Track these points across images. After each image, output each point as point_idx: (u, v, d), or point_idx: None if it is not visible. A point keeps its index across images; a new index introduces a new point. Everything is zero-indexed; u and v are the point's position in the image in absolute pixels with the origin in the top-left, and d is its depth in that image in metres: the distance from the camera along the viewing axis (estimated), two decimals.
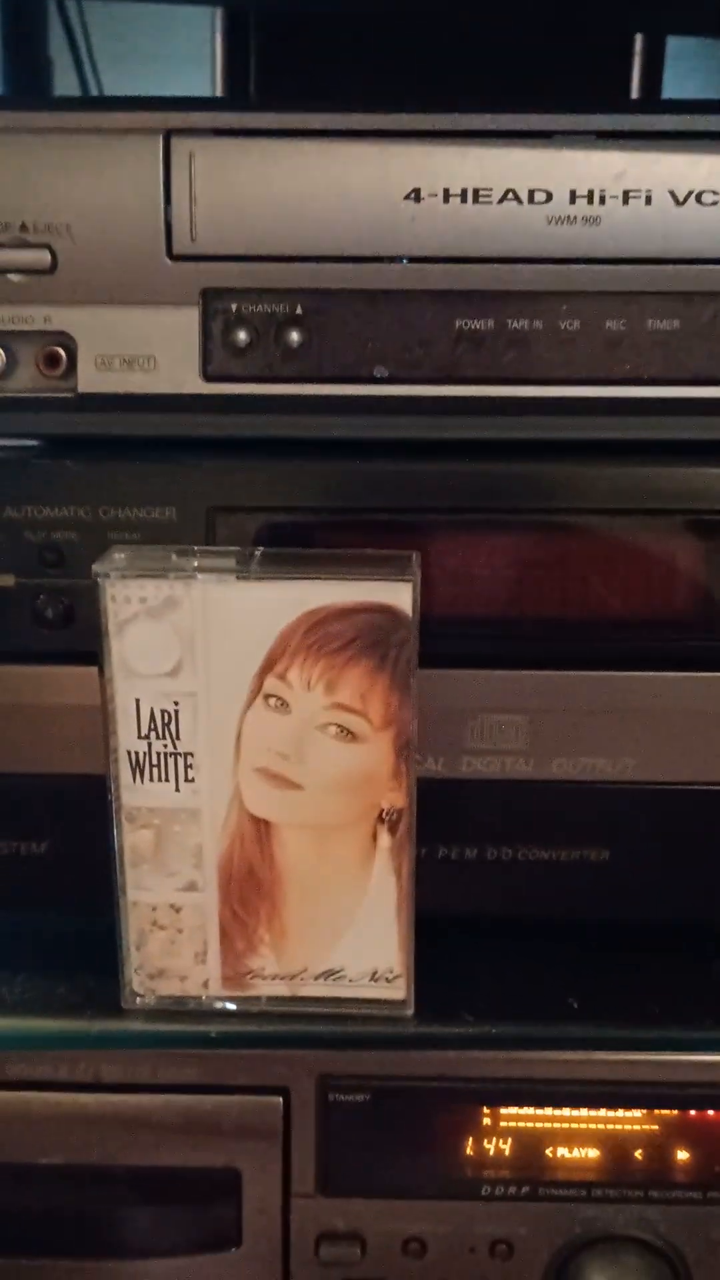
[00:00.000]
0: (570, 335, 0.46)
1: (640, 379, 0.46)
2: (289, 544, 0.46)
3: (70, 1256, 0.48)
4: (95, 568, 0.43)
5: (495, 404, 0.47)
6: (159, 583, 0.42)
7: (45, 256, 0.45)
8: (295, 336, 0.46)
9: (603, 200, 0.45)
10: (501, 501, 0.47)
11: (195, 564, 0.43)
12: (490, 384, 0.47)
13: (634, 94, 0.81)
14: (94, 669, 0.45)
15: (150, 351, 0.47)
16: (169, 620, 0.43)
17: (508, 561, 0.47)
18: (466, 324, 0.46)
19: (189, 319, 0.46)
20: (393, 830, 0.45)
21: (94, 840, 0.46)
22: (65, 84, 0.85)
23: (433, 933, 0.47)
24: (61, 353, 0.47)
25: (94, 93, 0.88)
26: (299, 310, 0.46)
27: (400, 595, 0.42)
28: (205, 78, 0.76)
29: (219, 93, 0.79)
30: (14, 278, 0.46)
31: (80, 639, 0.46)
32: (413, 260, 0.46)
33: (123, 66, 0.88)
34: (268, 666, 0.43)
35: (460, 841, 0.49)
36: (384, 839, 0.45)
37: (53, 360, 0.47)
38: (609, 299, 0.46)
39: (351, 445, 0.47)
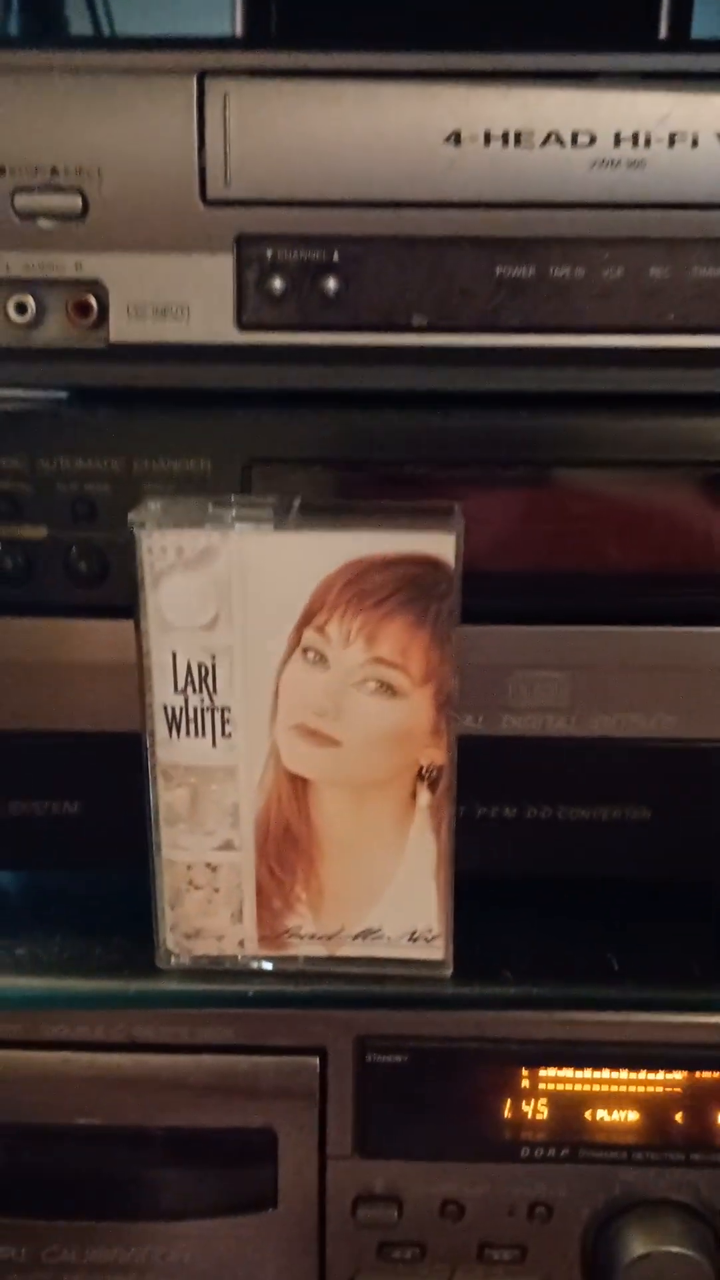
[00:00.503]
0: (613, 283, 0.45)
1: (684, 328, 0.45)
2: (328, 495, 0.45)
3: (106, 1218, 0.48)
4: (131, 517, 0.42)
5: (536, 354, 0.46)
6: (196, 533, 0.42)
7: (76, 201, 0.44)
8: (332, 284, 0.45)
9: (648, 143, 0.44)
10: (543, 454, 0.46)
11: (233, 514, 0.42)
12: (531, 333, 0.45)
13: (662, 34, 0.79)
14: (127, 623, 0.44)
15: (183, 300, 0.45)
16: (206, 572, 0.42)
17: (548, 515, 0.46)
18: (507, 272, 0.45)
19: (223, 266, 0.45)
20: (432, 788, 0.45)
21: (128, 799, 0.46)
22: (77, 26, 0.83)
23: (471, 893, 0.47)
24: (92, 301, 0.46)
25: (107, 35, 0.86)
26: (336, 257, 0.45)
27: (443, 547, 0.41)
28: (223, 20, 0.74)
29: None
30: (44, 223, 0.45)
31: (113, 593, 0.46)
32: (452, 206, 0.44)
33: (135, 4, 0.85)
34: (306, 619, 0.42)
35: (499, 800, 0.49)
36: (423, 797, 0.45)
37: (83, 309, 0.46)
38: (653, 245, 0.44)
39: (390, 396, 0.46)
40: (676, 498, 0.46)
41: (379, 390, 0.46)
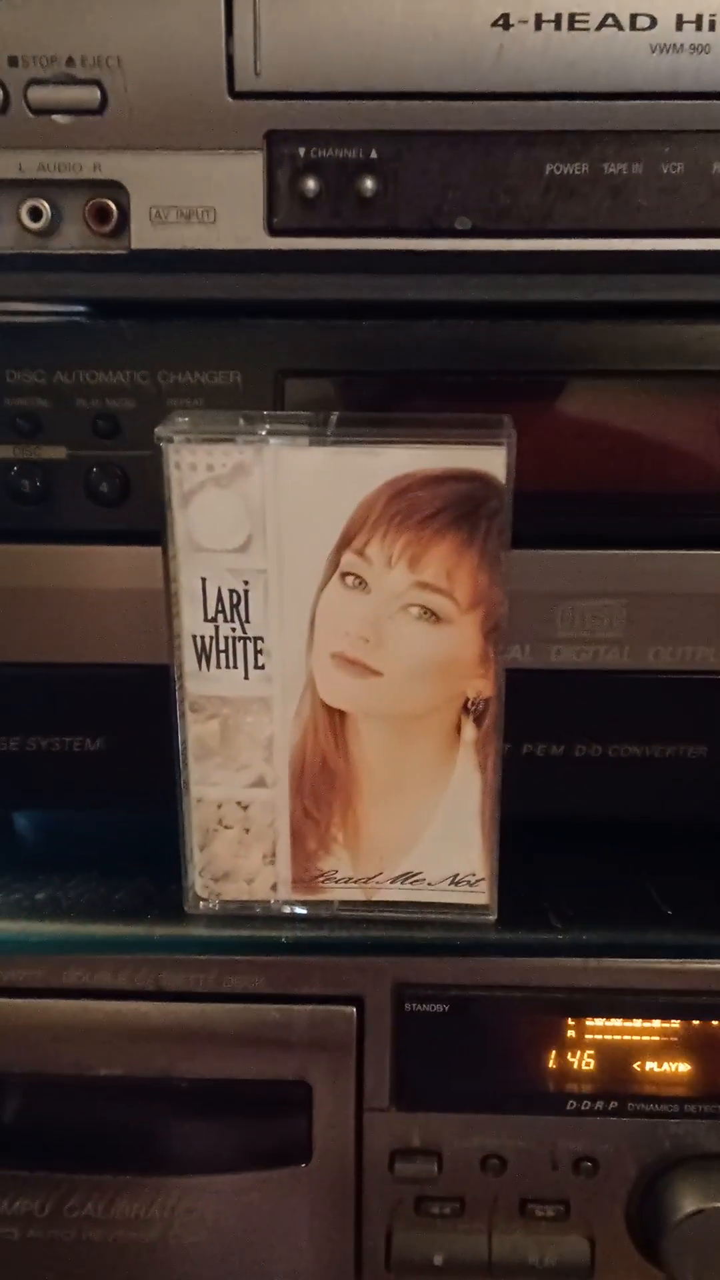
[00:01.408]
0: (673, 180, 0.42)
1: None
2: (366, 410, 0.42)
3: (130, 1172, 0.46)
4: (158, 431, 0.39)
5: (590, 258, 0.43)
6: (227, 448, 0.39)
7: (94, 94, 0.41)
8: (369, 185, 0.42)
9: (712, 26, 0.40)
10: (597, 364, 0.43)
11: (266, 428, 0.39)
12: (584, 236, 0.42)
13: None
14: (152, 549, 0.41)
15: (209, 202, 0.42)
16: (238, 490, 0.39)
17: (604, 431, 0.43)
18: (558, 169, 0.42)
19: (252, 165, 0.42)
20: (478, 721, 0.42)
21: (154, 735, 0.43)
22: None
23: (516, 835, 0.44)
24: (112, 206, 0.43)
25: None
26: (373, 155, 0.42)
27: (493, 461, 0.38)
28: None
29: None
30: (59, 119, 0.42)
31: (137, 517, 0.43)
32: (499, 97, 0.41)
33: None
34: (345, 541, 0.40)
35: (547, 737, 0.46)
36: (468, 731, 0.42)
37: (102, 214, 0.43)
38: (716, 139, 0.41)
39: (432, 304, 0.43)
40: None
41: (420, 300, 0.43)
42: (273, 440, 0.39)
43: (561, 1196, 0.46)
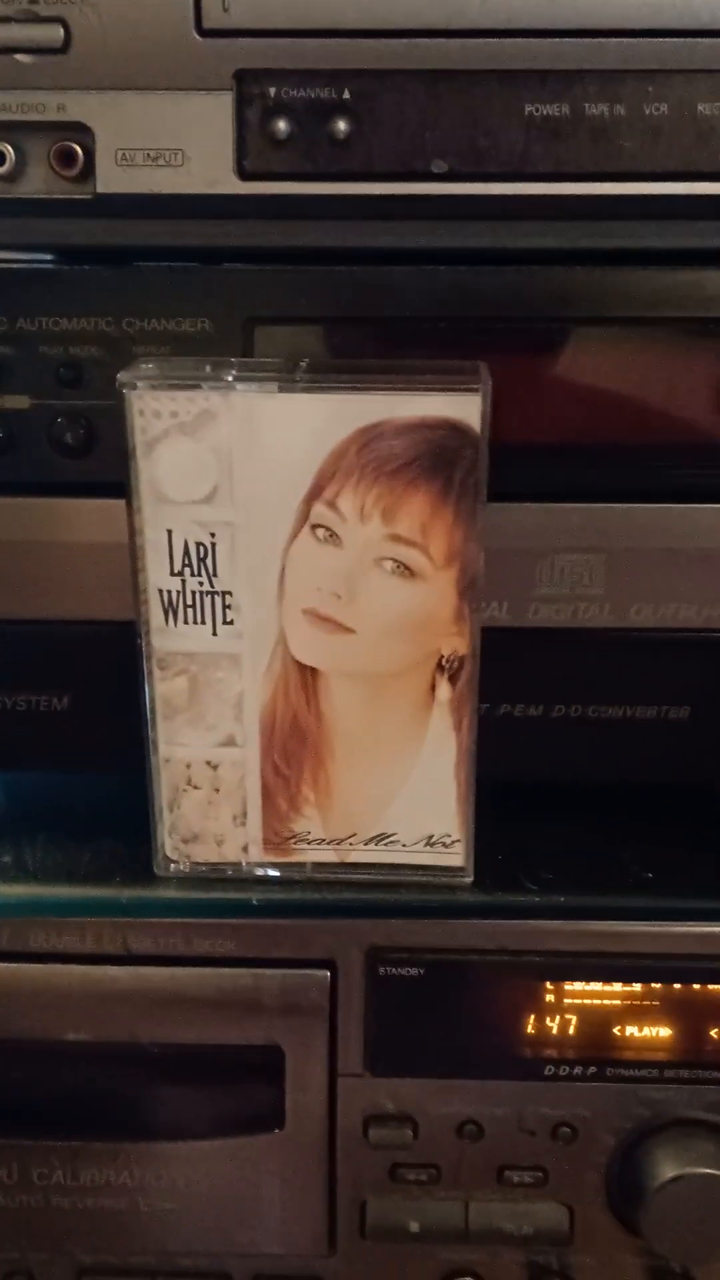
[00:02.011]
0: (657, 122, 0.40)
1: None
2: (338, 358, 0.41)
3: (100, 1139, 0.45)
4: (121, 377, 0.38)
5: (570, 203, 0.41)
6: (193, 394, 0.37)
7: (58, 32, 0.39)
8: (342, 126, 0.40)
9: None
10: (579, 312, 0.41)
11: (233, 374, 0.38)
12: (565, 180, 0.41)
13: None
14: (119, 502, 0.40)
15: (178, 144, 0.41)
16: (204, 438, 0.38)
17: (585, 380, 0.42)
18: (538, 110, 0.40)
19: (221, 106, 0.40)
20: (453, 680, 0.41)
21: (121, 693, 0.42)
22: None
23: (494, 798, 0.43)
24: (77, 150, 0.41)
25: None
26: (347, 95, 0.40)
27: (468, 409, 0.37)
28: None
29: None
30: (22, 58, 0.40)
31: (103, 468, 0.42)
32: (477, 34, 0.40)
33: None
34: (315, 492, 0.39)
35: (524, 698, 0.45)
36: (443, 690, 0.41)
37: (67, 158, 0.41)
38: (702, 79, 0.40)
39: (409, 249, 0.42)
40: None
41: (396, 247, 0.42)
42: (240, 386, 0.37)
43: (539, 1163, 0.46)
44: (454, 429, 0.37)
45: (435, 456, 0.38)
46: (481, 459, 0.38)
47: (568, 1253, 0.47)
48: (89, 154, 0.41)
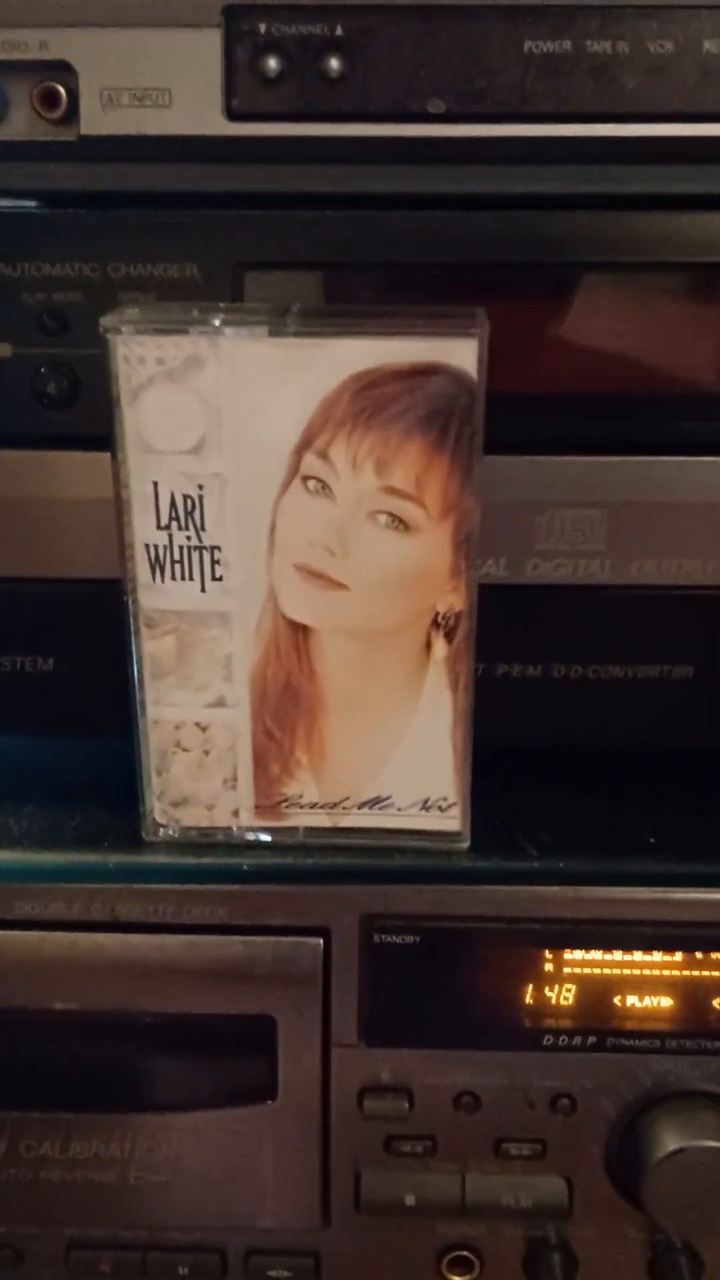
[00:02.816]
0: (661, 60, 0.39)
1: None
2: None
3: (88, 1110, 0.44)
4: (104, 321, 0.36)
5: (571, 144, 0.40)
6: (179, 339, 0.36)
7: None
8: (335, 64, 0.39)
9: None
10: (579, 257, 0.40)
11: (221, 318, 0.36)
12: (566, 121, 0.39)
13: None
14: (105, 455, 0.39)
15: (164, 84, 0.39)
16: (191, 385, 0.36)
17: (584, 328, 0.40)
18: (538, 47, 0.39)
19: (210, 43, 0.39)
20: (449, 637, 0.40)
21: (109, 655, 0.41)
22: None
23: (491, 762, 0.42)
24: (60, 90, 0.40)
25: None
26: (339, 31, 0.39)
27: (464, 354, 0.36)
28: None
29: None
30: None
31: (88, 420, 0.40)
32: None
33: None
34: (306, 442, 0.37)
35: (523, 658, 0.44)
36: (439, 648, 0.40)
37: (50, 99, 0.40)
38: (707, 15, 0.38)
39: (404, 193, 0.40)
40: None
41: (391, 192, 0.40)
42: (229, 331, 0.36)
43: (538, 1135, 0.45)
44: (450, 375, 0.36)
45: (430, 404, 0.36)
46: (478, 407, 0.36)
47: (567, 1226, 0.46)
48: (72, 95, 0.40)
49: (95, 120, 0.40)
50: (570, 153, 0.40)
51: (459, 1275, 0.47)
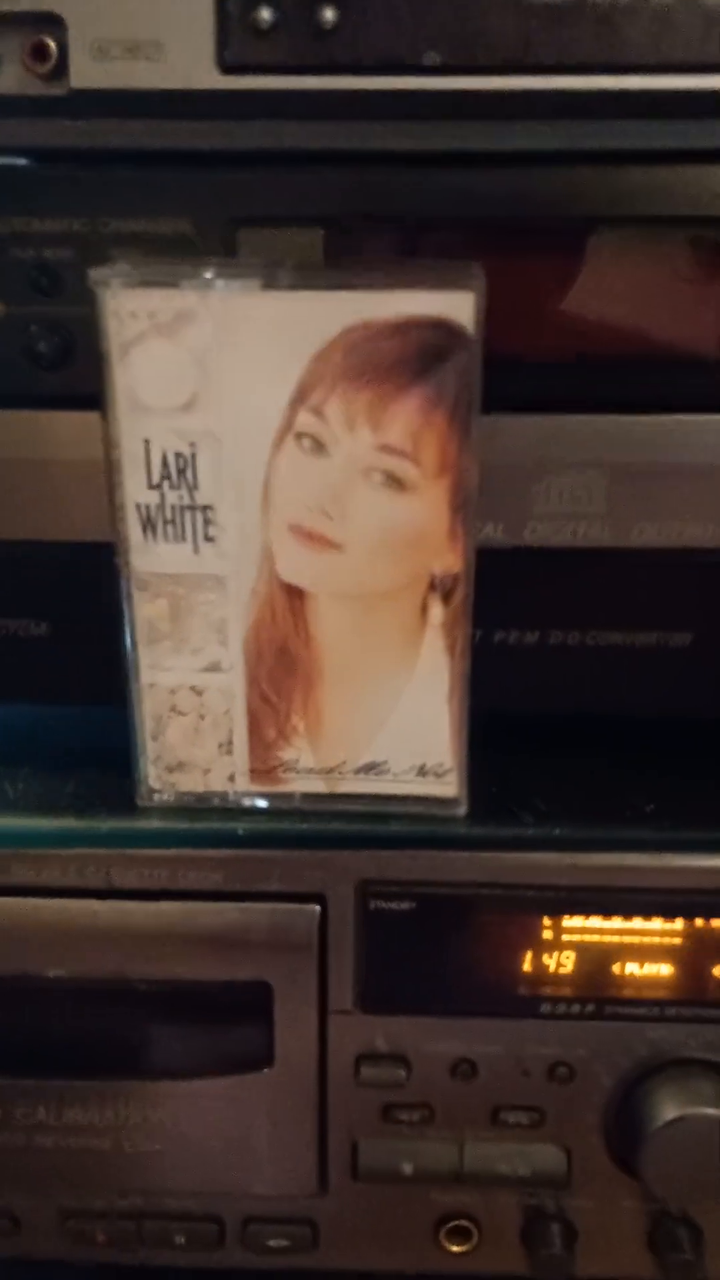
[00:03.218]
0: (664, 9, 0.38)
1: None
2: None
3: (83, 1077, 0.44)
4: (93, 274, 0.36)
5: (571, 98, 0.39)
6: (170, 293, 0.35)
7: None
8: (329, 15, 0.38)
9: None
10: (579, 212, 0.39)
11: (213, 271, 0.36)
12: (566, 73, 0.38)
13: None
14: (97, 415, 0.38)
15: (156, 36, 0.39)
16: (183, 340, 0.36)
17: (585, 285, 0.40)
18: None
19: None
20: (446, 600, 0.39)
21: (103, 619, 0.41)
22: None
23: (489, 729, 0.42)
24: (50, 44, 0.39)
25: None
26: None
27: (461, 308, 0.35)
28: None
29: None
30: None
31: (80, 379, 0.40)
32: None
33: None
34: (300, 398, 0.36)
35: (521, 623, 0.43)
36: (435, 611, 0.39)
37: (40, 52, 0.39)
38: None
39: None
40: None
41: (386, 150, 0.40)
42: (220, 284, 0.35)
43: (535, 1104, 0.44)
44: (446, 329, 0.35)
45: (426, 359, 0.36)
46: (475, 362, 0.36)
47: (565, 1195, 0.46)
48: (62, 48, 0.39)
49: (86, 73, 0.39)
50: (570, 107, 0.39)
51: (457, 1244, 0.47)
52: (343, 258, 0.39)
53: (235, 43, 0.39)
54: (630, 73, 0.39)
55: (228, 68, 0.39)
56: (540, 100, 0.39)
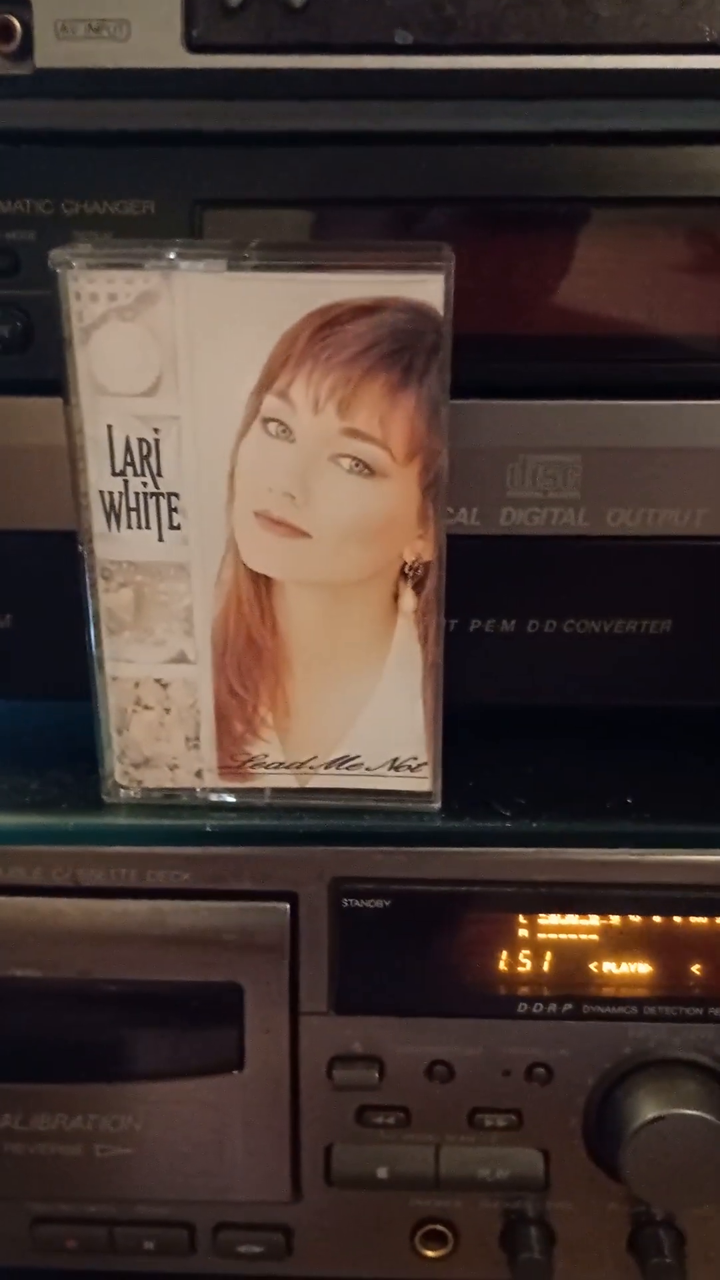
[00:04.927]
0: None
1: None
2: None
3: (49, 1081, 0.43)
4: (54, 254, 0.35)
5: (543, 77, 0.38)
6: (133, 274, 0.35)
7: None
8: None
9: None
10: (550, 191, 0.38)
11: (176, 252, 0.35)
12: (540, 53, 0.38)
13: None
14: (59, 400, 0.37)
15: (122, 14, 0.38)
16: (145, 322, 0.35)
17: (557, 266, 0.39)
18: None
19: None
20: (418, 588, 0.38)
21: (66, 610, 0.40)
22: None
23: (464, 721, 0.41)
24: (14, 22, 0.38)
25: None
26: None
27: (430, 290, 0.34)
28: None
29: None
30: None
31: (41, 364, 0.39)
32: None
33: None
34: (267, 382, 0.36)
35: (495, 612, 0.42)
36: (407, 600, 0.38)
37: (5, 32, 0.39)
38: None
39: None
40: (714, 246, 0.39)
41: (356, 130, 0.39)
42: (184, 265, 0.34)
43: (514, 1106, 0.43)
44: (415, 311, 0.35)
45: (394, 342, 0.35)
46: (445, 346, 0.35)
47: (544, 1199, 0.45)
48: (26, 27, 0.38)
49: (50, 53, 0.38)
50: (542, 86, 0.38)
51: (434, 1249, 0.46)
52: (311, 239, 0.38)
53: (203, 21, 0.38)
54: (602, 52, 0.38)
55: (195, 46, 0.38)
56: (512, 80, 0.39)
